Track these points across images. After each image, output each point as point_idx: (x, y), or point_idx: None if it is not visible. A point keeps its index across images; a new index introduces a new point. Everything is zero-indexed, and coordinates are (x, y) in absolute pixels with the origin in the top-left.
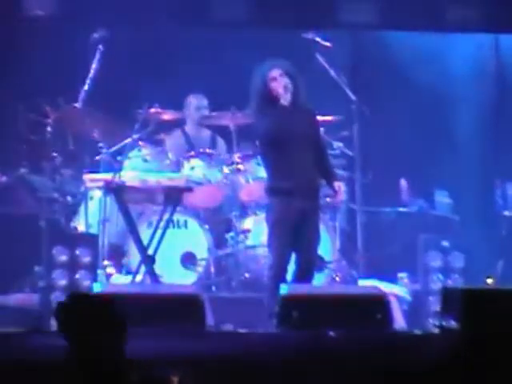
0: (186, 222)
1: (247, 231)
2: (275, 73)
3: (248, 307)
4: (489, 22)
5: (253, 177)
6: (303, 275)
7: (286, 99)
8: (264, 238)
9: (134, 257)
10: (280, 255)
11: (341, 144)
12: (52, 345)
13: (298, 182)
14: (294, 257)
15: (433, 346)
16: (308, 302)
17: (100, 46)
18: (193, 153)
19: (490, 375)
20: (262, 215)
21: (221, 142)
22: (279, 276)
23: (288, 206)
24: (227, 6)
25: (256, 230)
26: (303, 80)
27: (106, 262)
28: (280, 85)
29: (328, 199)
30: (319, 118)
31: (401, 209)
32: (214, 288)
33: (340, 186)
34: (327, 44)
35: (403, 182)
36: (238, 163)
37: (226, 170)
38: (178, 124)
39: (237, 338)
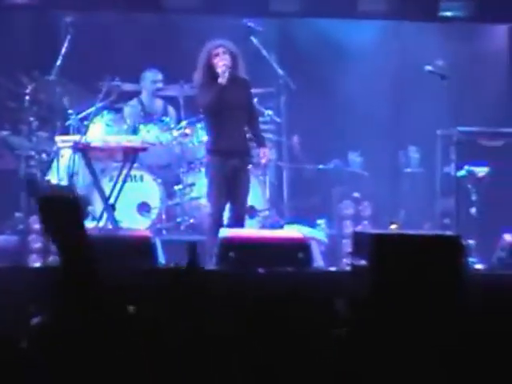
0: (141, 176)
1: (192, 184)
2: (219, 50)
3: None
4: (393, 12)
5: (197, 140)
6: (237, 221)
7: (224, 77)
8: (205, 190)
9: (97, 205)
10: (217, 204)
11: (271, 112)
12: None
13: (231, 144)
14: (229, 206)
15: (347, 281)
16: (242, 244)
17: (70, 29)
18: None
19: (396, 306)
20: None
21: (171, 110)
22: (217, 222)
23: (223, 164)
24: None
25: (199, 183)
26: (242, 58)
27: None
28: (221, 61)
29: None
30: (253, 90)
31: (320, 166)
32: (164, 232)
33: (265, 151)
34: (260, 29)
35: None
36: (185, 128)
37: (175, 133)
38: (135, 95)
39: (183, 274)
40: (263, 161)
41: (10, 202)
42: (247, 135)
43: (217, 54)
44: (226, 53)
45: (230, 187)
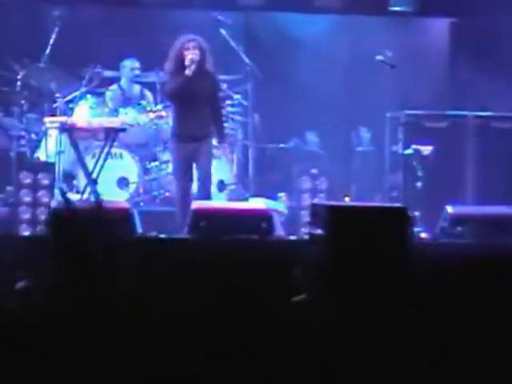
0: (121, 154)
1: (167, 161)
2: (190, 44)
3: (167, 219)
4: (347, 7)
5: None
6: (202, 194)
7: (190, 69)
8: None
9: (81, 180)
10: (181, 182)
11: (239, 96)
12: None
13: (192, 130)
14: (196, 181)
15: (305, 248)
16: (212, 215)
17: (57, 22)
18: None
19: (348, 272)
20: None
21: (148, 94)
22: (183, 197)
23: (183, 147)
24: None
25: None
26: (211, 52)
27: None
28: (190, 54)
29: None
30: (224, 77)
31: (281, 145)
32: (142, 204)
33: (225, 148)
34: (228, 22)
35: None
36: (160, 111)
37: (151, 115)
38: (116, 81)
39: (159, 242)
40: (220, 152)
41: (2, 177)
42: (209, 122)
43: (187, 48)
44: (196, 47)
45: (192, 166)
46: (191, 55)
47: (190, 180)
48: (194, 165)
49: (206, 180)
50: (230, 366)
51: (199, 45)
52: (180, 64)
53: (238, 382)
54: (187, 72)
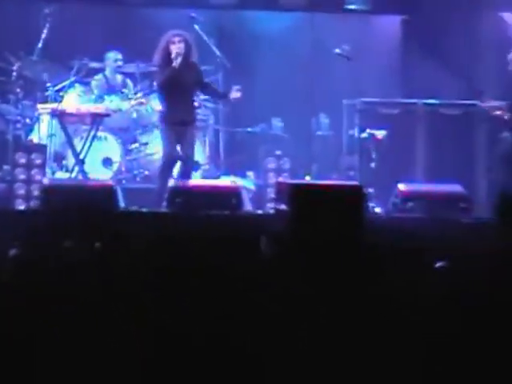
0: (105, 137)
1: (146, 143)
2: (175, 39)
3: (147, 195)
4: (308, 5)
5: (150, 108)
6: (185, 173)
7: (177, 62)
8: (157, 148)
9: (70, 160)
10: (168, 156)
11: None
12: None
13: (179, 115)
14: (180, 162)
15: (271, 222)
16: (187, 191)
17: (48, 18)
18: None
19: (309, 243)
20: (157, 132)
21: (129, 83)
22: (166, 169)
23: (172, 129)
24: None
25: (152, 142)
26: (195, 46)
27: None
28: (176, 48)
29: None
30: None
31: (249, 129)
32: (124, 182)
33: (233, 93)
34: (201, 18)
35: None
36: (140, 98)
37: (132, 102)
38: (101, 71)
39: (141, 215)
40: (235, 95)
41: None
42: (193, 107)
43: (173, 42)
44: (182, 41)
45: (179, 147)
46: (177, 49)
47: (176, 157)
48: (179, 147)
49: (188, 160)
50: (202, 340)
51: (184, 39)
52: (167, 57)
53: (209, 357)
54: (174, 64)
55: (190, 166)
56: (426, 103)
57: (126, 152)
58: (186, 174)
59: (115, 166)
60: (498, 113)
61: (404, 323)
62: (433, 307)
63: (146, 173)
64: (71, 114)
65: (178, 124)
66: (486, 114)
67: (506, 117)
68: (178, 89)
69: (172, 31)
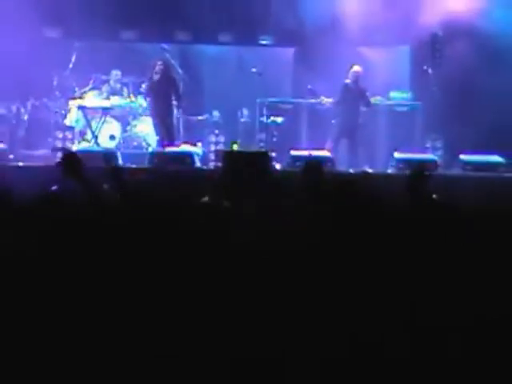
0: (111, 121)
1: (135, 126)
2: (158, 62)
3: (136, 157)
4: (236, 41)
5: (139, 103)
6: (167, 142)
7: (156, 77)
8: (141, 128)
9: (88, 136)
10: (159, 134)
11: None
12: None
13: (159, 110)
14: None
15: (212, 173)
16: (161, 153)
17: (77, 50)
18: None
19: (238, 191)
20: (141, 118)
21: (125, 89)
22: (161, 141)
23: (156, 118)
24: (131, 28)
25: (139, 125)
26: (173, 66)
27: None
28: (157, 67)
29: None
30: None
31: (199, 117)
32: (122, 149)
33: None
34: (169, 49)
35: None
36: (132, 98)
37: (127, 100)
38: (107, 81)
39: (130, 169)
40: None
41: (45, 134)
42: (172, 103)
43: (155, 65)
44: (161, 64)
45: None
46: (157, 68)
47: (163, 134)
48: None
49: (169, 135)
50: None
51: (164, 62)
52: (153, 73)
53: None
54: (155, 77)
55: (172, 138)
56: (308, 102)
57: (124, 131)
58: (169, 141)
59: (117, 139)
60: (324, 103)
61: None
62: None
63: (135, 143)
64: (90, 107)
65: (160, 116)
66: (322, 105)
67: (333, 106)
68: (158, 94)
69: (158, 57)
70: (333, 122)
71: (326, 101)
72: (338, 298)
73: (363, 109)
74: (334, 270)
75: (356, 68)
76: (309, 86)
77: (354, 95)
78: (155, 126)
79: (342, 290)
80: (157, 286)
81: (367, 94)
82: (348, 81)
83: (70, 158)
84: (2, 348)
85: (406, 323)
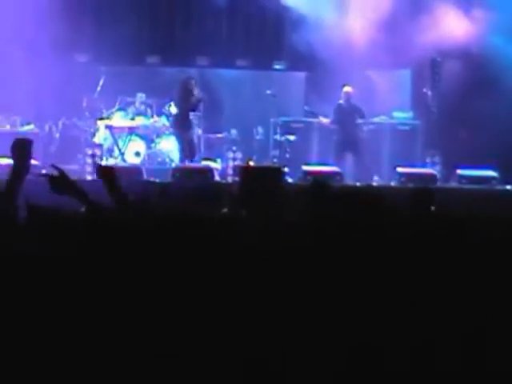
0: (135, 139)
1: (159, 143)
2: (192, 79)
3: (159, 173)
4: (250, 65)
5: (162, 123)
6: (184, 160)
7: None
8: (164, 145)
9: (116, 153)
10: (184, 151)
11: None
12: None
13: (181, 124)
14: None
15: (230, 186)
16: (183, 168)
17: (103, 74)
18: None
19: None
20: (165, 136)
21: (149, 110)
22: (183, 155)
23: (183, 133)
24: (154, 54)
25: (162, 142)
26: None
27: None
28: (192, 84)
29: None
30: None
31: (218, 135)
32: (147, 165)
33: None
34: (192, 72)
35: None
36: (155, 118)
37: (151, 120)
38: (133, 103)
39: (152, 183)
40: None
41: (75, 151)
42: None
43: (189, 83)
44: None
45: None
46: (193, 83)
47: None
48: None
49: (191, 150)
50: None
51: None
52: (192, 90)
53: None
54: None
55: (193, 153)
56: (319, 122)
57: (148, 147)
58: (191, 157)
59: (142, 156)
60: (323, 123)
61: None
62: None
63: (159, 159)
64: (117, 127)
65: (184, 129)
66: (320, 125)
67: (330, 126)
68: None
69: (185, 76)
70: (335, 138)
71: (324, 121)
72: (339, 299)
73: (360, 121)
74: (335, 272)
75: (346, 89)
76: (306, 108)
77: (348, 112)
78: (182, 141)
79: (342, 291)
80: (175, 287)
81: (361, 108)
82: (341, 101)
83: (109, 171)
84: (2, 348)
85: (406, 324)
